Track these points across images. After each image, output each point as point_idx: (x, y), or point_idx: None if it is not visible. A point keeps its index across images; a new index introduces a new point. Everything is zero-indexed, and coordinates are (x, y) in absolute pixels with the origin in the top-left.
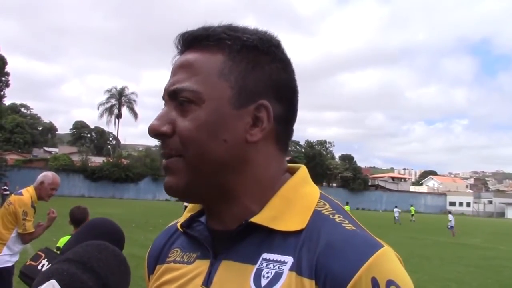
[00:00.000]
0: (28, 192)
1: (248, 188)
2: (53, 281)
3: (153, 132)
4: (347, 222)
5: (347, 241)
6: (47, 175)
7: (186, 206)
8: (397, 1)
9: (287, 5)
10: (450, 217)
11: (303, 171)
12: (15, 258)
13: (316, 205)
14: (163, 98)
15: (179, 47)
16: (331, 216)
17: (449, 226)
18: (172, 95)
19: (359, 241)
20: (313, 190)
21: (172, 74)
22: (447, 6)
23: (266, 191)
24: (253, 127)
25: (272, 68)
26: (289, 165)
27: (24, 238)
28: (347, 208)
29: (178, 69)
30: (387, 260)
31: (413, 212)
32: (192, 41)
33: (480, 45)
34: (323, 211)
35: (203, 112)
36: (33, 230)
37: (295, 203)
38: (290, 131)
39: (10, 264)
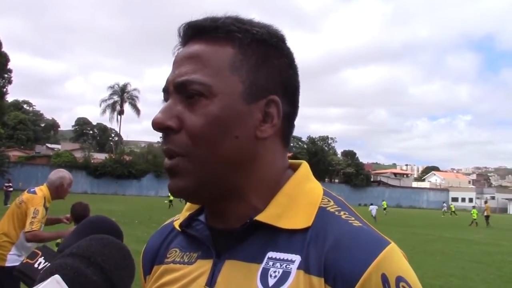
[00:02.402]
0: (41, 191)
1: (255, 186)
2: (56, 276)
3: (158, 126)
4: (353, 218)
5: (355, 238)
6: (64, 177)
7: (171, 201)
8: None
9: (291, 2)
10: (371, 207)
11: (305, 167)
12: (23, 257)
13: (321, 202)
14: (166, 90)
15: (184, 37)
16: (336, 213)
17: (372, 215)
18: (179, 88)
19: (367, 237)
20: (317, 187)
21: (177, 65)
22: (450, 2)
23: (272, 188)
24: (263, 123)
25: (281, 63)
26: (290, 161)
27: (27, 236)
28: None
29: (185, 60)
30: (395, 257)
31: (385, 206)
32: (199, 31)
33: (484, 41)
34: (328, 208)
35: (215, 106)
36: (39, 229)
37: (299, 200)
38: (293, 126)
39: (18, 263)
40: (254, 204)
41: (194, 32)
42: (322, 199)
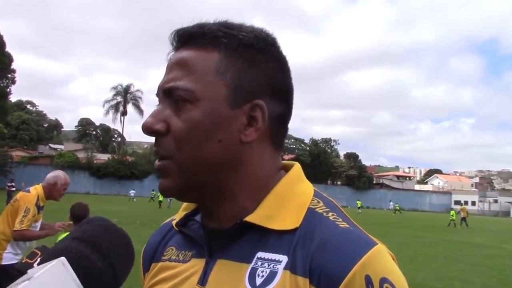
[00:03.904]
0: (35, 190)
1: (243, 187)
2: (62, 259)
3: (147, 129)
4: (340, 220)
5: (341, 239)
6: (59, 176)
7: (160, 202)
8: (404, 1)
9: (295, 5)
10: None
11: (296, 168)
12: (20, 255)
13: (310, 203)
14: (158, 95)
15: (174, 44)
16: (325, 214)
17: None
18: (167, 93)
19: (353, 239)
20: (307, 188)
21: (167, 72)
22: (454, 5)
23: (261, 189)
24: (248, 127)
25: (268, 67)
26: (284, 162)
27: (14, 235)
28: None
29: (173, 66)
30: (380, 258)
31: (359, 206)
32: (187, 38)
33: (487, 44)
34: (317, 209)
35: (198, 111)
36: (28, 228)
37: (289, 201)
38: (285, 129)
39: (15, 261)
40: (244, 205)
41: (183, 39)
42: (312, 200)
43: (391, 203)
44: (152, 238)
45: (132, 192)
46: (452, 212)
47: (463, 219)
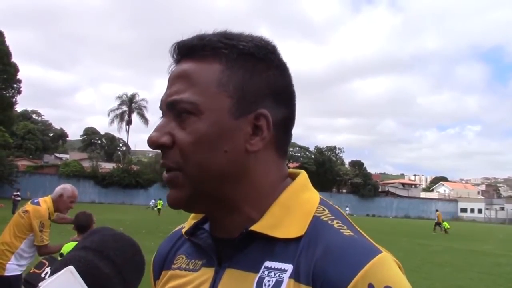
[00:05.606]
0: (45, 203)
1: (248, 196)
2: (71, 267)
3: (153, 143)
4: (345, 228)
5: (344, 247)
6: (66, 188)
7: (159, 209)
8: (409, 9)
9: (300, 14)
10: None
11: (303, 177)
12: (24, 266)
13: (316, 211)
14: (161, 108)
15: (175, 56)
16: (329, 222)
17: None
18: (170, 106)
19: (357, 247)
20: (313, 196)
21: (169, 85)
22: (459, 14)
23: (266, 198)
24: (253, 136)
25: (270, 75)
26: (290, 170)
27: (40, 250)
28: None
29: (175, 79)
30: (384, 266)
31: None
32: (188, 50)
33: (492, 52)
34: (322, 217)
35: (202, 123)
36: (49, 242)
37: (294, 210)
38: (289, 136)
39: (18, 273)
40: (249, 214)
41: (183, 51)
42: (317, 208)
43: (347, 208)
44: (162, 246)
45: (152, 202)
46: (445, 222)
47: (438, 224)
